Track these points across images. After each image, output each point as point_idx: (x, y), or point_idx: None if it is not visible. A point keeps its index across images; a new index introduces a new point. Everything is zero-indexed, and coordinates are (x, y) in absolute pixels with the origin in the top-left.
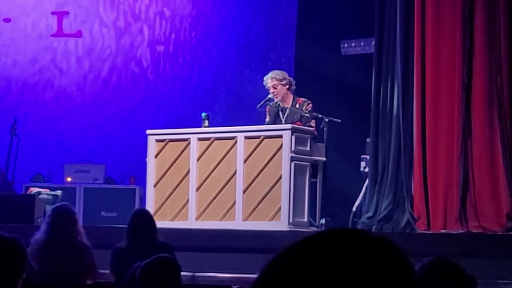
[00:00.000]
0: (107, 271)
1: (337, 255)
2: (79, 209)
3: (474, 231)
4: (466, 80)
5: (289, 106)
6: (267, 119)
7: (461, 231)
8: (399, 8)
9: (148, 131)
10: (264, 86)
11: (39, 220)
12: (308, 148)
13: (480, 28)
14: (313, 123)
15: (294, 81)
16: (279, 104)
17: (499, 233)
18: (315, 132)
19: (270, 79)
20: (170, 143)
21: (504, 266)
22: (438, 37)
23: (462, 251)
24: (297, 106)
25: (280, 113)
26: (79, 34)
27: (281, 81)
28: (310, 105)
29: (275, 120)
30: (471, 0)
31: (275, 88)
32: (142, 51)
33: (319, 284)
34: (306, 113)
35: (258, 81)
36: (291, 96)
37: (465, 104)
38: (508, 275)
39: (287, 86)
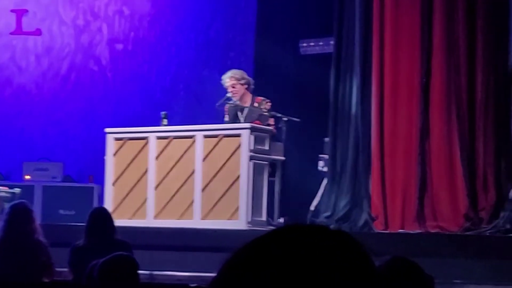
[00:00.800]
0: (66, 269)
1: (295, 251)
2: (37, 207)
3: (432, 230)
4: (424, 80)
5: (247, 105)
6: (226, 118)
7: (419, 231)
8: (358, 8)
9: (107, 130)
10: (223, 85)
11: None
12: (267, 147)
13: (439, 28)
14: (271, 121)
15: (253, 81)
16: (238, 103)
17: (457, 233)
18: (274, 131)
19: (228, 78)
20: (128, 141)
21: (461, 266)
22: (397, 37)
23: (420, 251)
24: (256, 105)
25: (239, 112)
26: (38, 32)
27: (239, 80)
28: (269, 103)
29: (234, 119)
30: (430, 0)
31: (233, 87)
32: (101, 49)
33: (277, 282)
34: (265, 112)
35: (217, 80)
36: (249, 95)
37: (424, 104)
38: (465, 275)
39: (246, 86)
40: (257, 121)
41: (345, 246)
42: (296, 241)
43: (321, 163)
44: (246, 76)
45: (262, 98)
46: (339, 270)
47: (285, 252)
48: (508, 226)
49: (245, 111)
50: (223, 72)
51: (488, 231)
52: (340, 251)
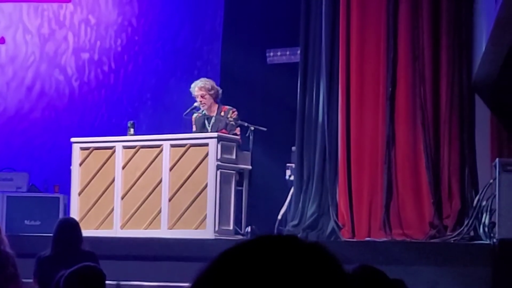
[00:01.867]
0: (31, 280)
1: (266, 264)
2: (2, 218)
3: (398, 238)
4: (390, 89)
5: (214, 114)
6: (194, 129)
7: (385, 239)
8: (324, 18)
9: (73, 139)
10: (191, 94)
11: None
12: (234, 157)
13: (404, 37)
14: (238, 131)
15: (221, 90)
16: (204, 113)
17: (423, 241)
18: (240, 140)
19: (198, 88)
20: (95, 151)
21: (427, 274)
22: (363, 46)
23: (387, 259)
24: (222, 114)
25: (206, 122)
26: (2, 41)
27: (209, 90)
28: (235, 113)
29: (202, 128)
30: (395, 10)
31: (203, 97)
32: (67, 58)
33: None
34: (231, 121)
35: (184, 89)
36: (216, 105)
37: (389, 113)
38: (431, 283)
39: (215, 96)
40: (224, 130)
41: (317, 258)
42: (267, 253)
43: (288, 172)
44: (215, 86)
45: (228, 107)
46: (312, 282)
47: (255, 266)
48: (472, 234)
49: (212, 120)
50: (190, 81)
51: (453, 239)
52: (312, 263)
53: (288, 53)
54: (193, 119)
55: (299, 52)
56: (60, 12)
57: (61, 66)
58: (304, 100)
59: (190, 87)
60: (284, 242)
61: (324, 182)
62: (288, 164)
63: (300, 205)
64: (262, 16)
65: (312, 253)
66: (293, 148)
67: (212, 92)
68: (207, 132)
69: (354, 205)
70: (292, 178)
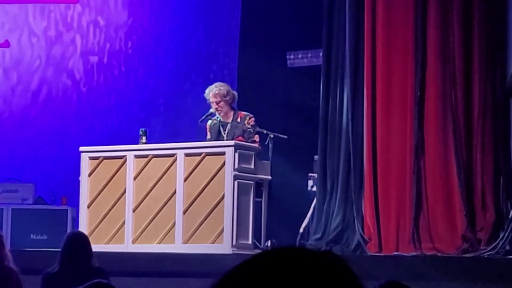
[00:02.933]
0: None
1: (282, 276)
2: (6, 232)
3: (428, 253)
4: (418, 93)
5: (230, 120)
6: (208, 136)
7: (415, 253)
8: (348, 17)
9: (81, 148)
10: (206, 99)
11: None
12: (252, 166)
13: (433, 38)
14: (256, 138)
15: (237, 95)
16: (220, 119)
17: (454, 255)
18: (260, 148)
19: (212, 95)
20: (105, 160)
21: None
22: (389, 48)
23: (416, 275)
24: (239, 120)
25: (221, 129)
26: (6, 44)
27: (225, 96)
28: (252, 119)
29: (217, 136)
30: (424, 9)
31: (218, 104)
32: (75, 62)
33: None
34: (248, 128)
35: (199, 94)
36: (232, 111)
37: (418, 119)
38: None
39: (231, 101)
40: (240, 138)
41: (334, 270)
42: (284, 265)
43: (310, 182)
44: (231, 91)
45: (245, 113)
46: None
47: (272, 278)
48: (508, 247)
49: (227, 127)
50: (206, 85)
51: (488, 253)
52: (329, 275)
53: (309, 55)
54: (207, 126)
55: (321, 54)
56: (67, 14)
57: (69, 70)
58: (327, 105)
59: (205, 92)
60: (299, 254)
61: (348, 193)
62: (310, 174)
63: (323, 217)
64: (282, 17)
65: (328, 265)
66: (316, 157)
67: (227, 98)
68: (222, 139)
69: (381, 218)
70: (314, 188)
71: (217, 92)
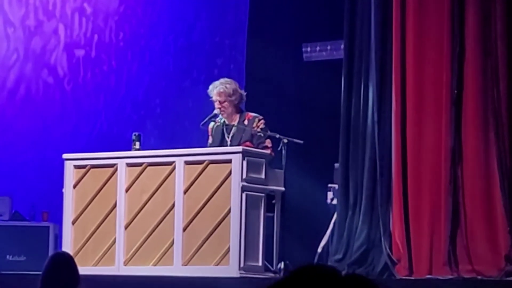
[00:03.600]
0: None
1: None
2: None
3: (466, 276)
4: (455, 91)
5: (235, 123)
6: (210, 141)
7: (451, 276)
8: (374, 4)
9: (65, 155)
10: (209, 97)
11: None
12: (262, 176)
13: (472, 29)
14: (267, 143)
15: (245, 94)
16: (224, 121)
17: (497, 279)
18: (272, 155)
19: (217, 93)
20: (92, 169)
21: None
22: (421, 40)
23: None
24: (246, 122)
25: (225, 132)
26: None
27: (230, 95)
28: (262, 121)
29: (221, 141)
30: None
31: (222, 104)
32: (58, 56)
33: None
34: (258, 131)
35: (201, 92)
36: (238, 112)
37: (455, 121)
38: None
39: (237, 101)
40: (248, 143)
41: None
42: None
43: (330, 195)
44: (238, 89)
45: (254, 114)
46: None
47: None
48: None
49: (232, 130)
50: (209, 82)
51: None
52: None
53: (329, 47)
54: (209, 129)
55: (342, 46)
56: (49, 0)
57: (51, 66)
58: (349, 105)
59: (208, 89)
60: (324, 275)
61: (374, 207)
62: (330, 185)
63: (345, 235)
64: (297, 3)
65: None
66: (336, 165)
67: (233, 97)
68: (226, 145)
69: (412, 235)
70: (335, 202)
71: (221, 90)
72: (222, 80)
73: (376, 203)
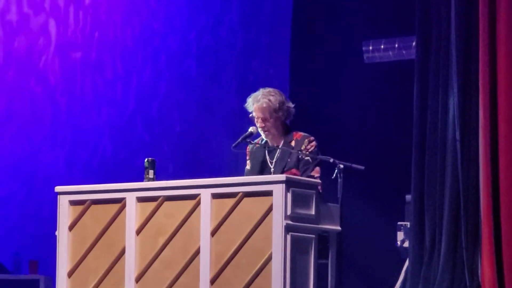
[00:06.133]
0: None
1: None
2: None
3: None
4: None
5: (280, 145)
6: (248, 166)
7: None
8: None
9: (58, 188)
10: (244, 111)
11: None
12: (312, 212)
13: None
14: (317, 171)
15: (294, 107)
16: (266, 142)
17: None
18: (320, 190)
19: (258, 108)
20: (93, 206)
21: None
22: None
23: None
24: (293, 144)
25: (267, 156)
26: None
27: (276, 111)
28: (314, 143)
29: (262, 167)
30: None
31: (265, 121)
32: (48, 59)
33: None
34: (307, 155)
35: (232, 104)
36: (284, 131)
37: None
38: None
39: (284, 117)
40: (294, 170)
41: None
42: None
43: (400, 235)
44: (286, 102)
45: (303, 134)
46: None
47: None
48: None
49: (277, 154)
50: (241, 92)
51: None
52: None
53: (396, 45)
54: (247, 152)
55: (414, 44)
56: None
57: (40, 72)
58: (423, 120)
59: (245, 101)
60: None
61: (457, 250)
62: (400, 223)
63: (421, 285)
64: None
65: None
66: (408, 197)
67: (280, 113)
68: (269, 172)
69: (506, 284)
70: (406, 244)
71: (265, 105)
72: (264, 90)
73: (459, 246)
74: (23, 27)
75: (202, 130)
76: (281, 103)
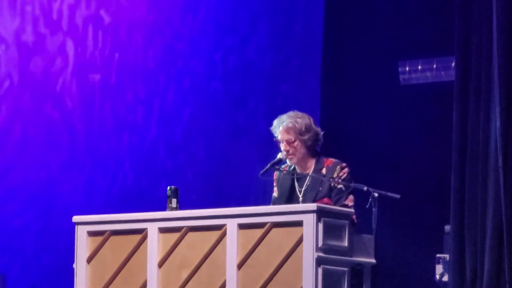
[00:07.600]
0: None
1: None
2: None
3: None
4: None
5: (310, 171)
6: (275, 193)
7: None
8: (496, 8)
9: (76, 218)
10: (272, 136)
11: None
12: (345, 243)
13: None
14: (350, 201)
15: (322, 132)
16: (294, 169)
17: None
18: (355, 220)
19: (284, 130)
20: (113, 237)
21: None
22: None
23: None
24: (324, 171)
25: (296, 184)
26: None
27: (302, 134)
28: (346, 169)
29: (290, 196)
30: None
31: (291, 144)
32: (65, 82)
33: None
34: (340, 183)
35: (260, 129)
36: (313, 157)
37: None
38: None
39: (311, 141)
40: (326, 199)
41: None
42: None
43: (439, 268)
44: (313, 125)
45: (334, 160)
46: None
47: None
48: None
49: (306, 181)
50: (270, 117)
51: None
52: None
53: (434, 66)
54: (274, 180)
55: (453, 64)
56: (52, 6)
57: (56, 96)
58: (463, 145)
59: (271, 125)
60: None
61: (500, 282)
62: (438, 255)
63: None
64: (389, 9)
65: None
66: (447, 228)
67: (306, 136)
68: (297, 201)
69: None
70: (446, 278)
71: (290, 125)
72: (290, 113)
73: (503, 280)
74: (39, 48)
75: (228, 157)
76: (308, 126)
